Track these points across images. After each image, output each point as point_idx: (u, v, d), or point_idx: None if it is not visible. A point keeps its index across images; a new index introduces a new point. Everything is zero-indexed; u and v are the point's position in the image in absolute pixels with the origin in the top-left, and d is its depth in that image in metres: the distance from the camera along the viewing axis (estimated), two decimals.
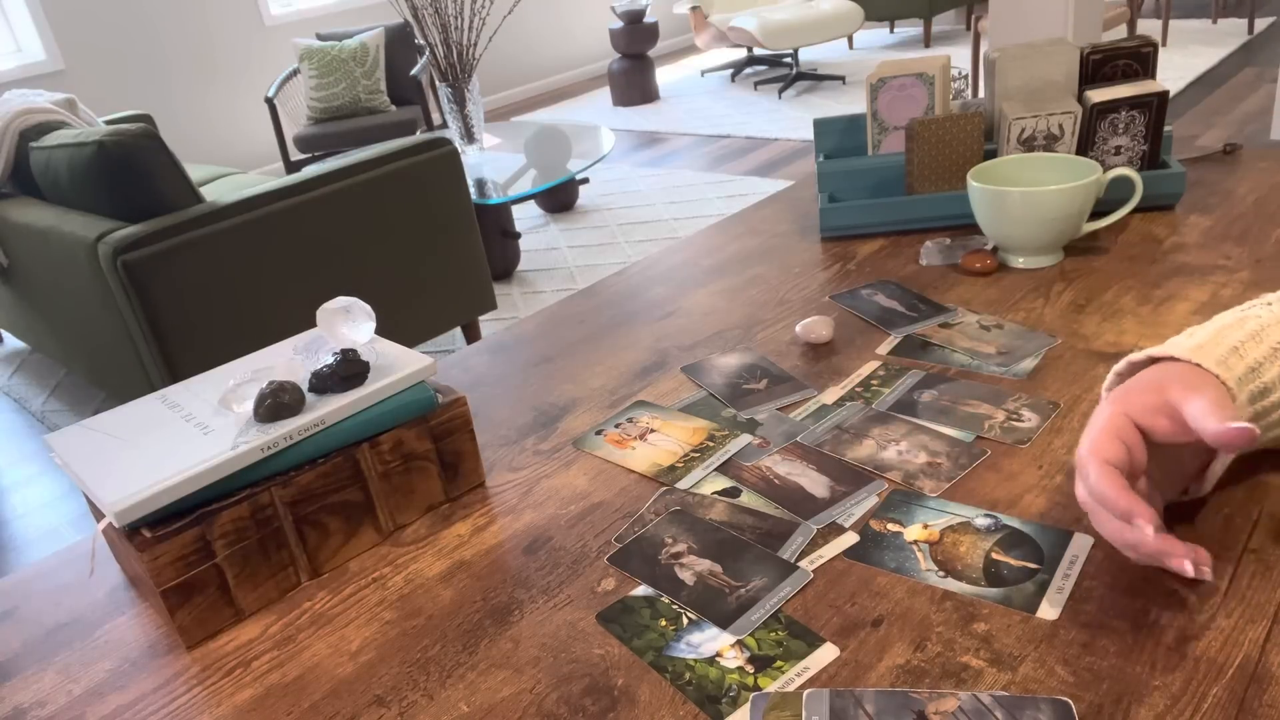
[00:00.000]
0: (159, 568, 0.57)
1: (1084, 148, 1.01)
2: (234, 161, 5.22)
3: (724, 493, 0.67)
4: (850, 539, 0.60)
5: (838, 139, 1.18)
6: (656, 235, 3.69)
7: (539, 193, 3.18)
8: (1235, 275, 0.85)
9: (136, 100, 4.77)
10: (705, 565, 0.60)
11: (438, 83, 3.57)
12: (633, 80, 5.89)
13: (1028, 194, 0.88)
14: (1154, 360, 0.58)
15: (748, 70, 6.45)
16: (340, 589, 0.63)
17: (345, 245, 2.37)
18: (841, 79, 5.70)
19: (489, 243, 3.36)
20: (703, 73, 6.47)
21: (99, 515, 0.62)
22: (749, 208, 1.24)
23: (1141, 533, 0.48)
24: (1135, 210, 1.02)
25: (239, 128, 5.20)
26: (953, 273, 0.95)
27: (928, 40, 6.31)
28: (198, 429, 0.63)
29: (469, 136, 3.62)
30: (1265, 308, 0.59)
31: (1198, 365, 0.54)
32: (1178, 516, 0.57)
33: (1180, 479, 0.58)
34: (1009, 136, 1.02)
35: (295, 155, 5.35)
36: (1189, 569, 0.48)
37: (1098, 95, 0.99)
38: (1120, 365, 0.59)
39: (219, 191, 3.13)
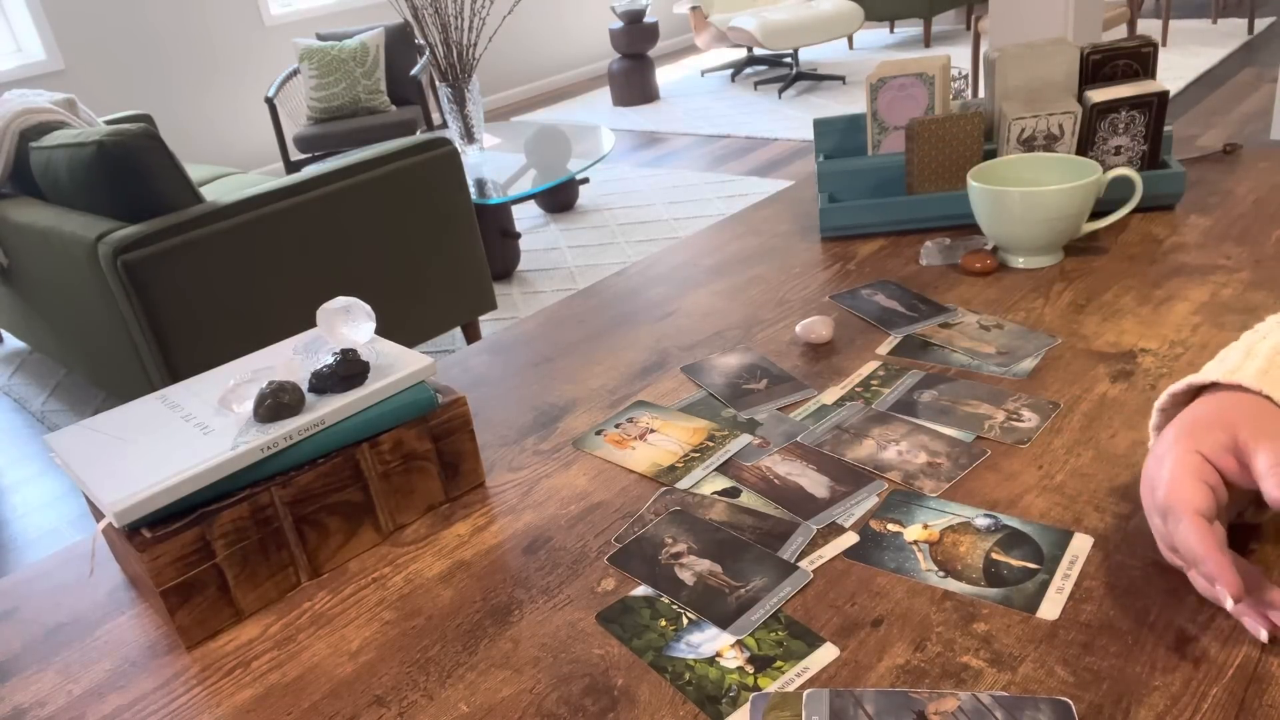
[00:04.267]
0: (159, 568, 0.57)
1: (1084, 148, 1.01)
2: (234, 161, 5.22)
3: (724, 493, 0.67)
4: (850, 539, 0.60)
5: (838, 139, 1.18)
6: (656, 235, 3.69)
7: (539, 193, 3.18)
8: (1235, 275, 0.85)
9: (136, 100, 4.77)
10: (705, 565, 0.60)
11: (438, 83, 3.57)
12: (633, 80, 5.88)
13: (1028, 194, 0.88)
14: (1197, 388, 0.54)
15: (748, 70, 6.45)
16: (340, 589, 0.63)
17: (345, 245, 2.37)
18: (841, 79, 5.70)
19: (489, 243, 3.36)
20: (703, 73, 6.47)
21: (99, 515, 0.62)
22: (749, 208, 1.24)
23: (1222, 599, 0.47)
24: (1135, 210, 1.02)
25: (239, 128, 5.20)
26: (953, 273, 0.95)
27: (928, 40, 6.31)
28: (198, 429, 0.63)
29: (469, 136, 3.62)
30: None
31: (1268, 398, 0.50)
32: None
33: (1238, 501, 0.54)
34: (1009, 136, 1.02)
35: (295, 155, 5.35)
36: (1261, 635, 0.48)
37: (1098, 95, 0.99)
38: (1163, 400, 0.56)
39: (219, 191, 3.13)
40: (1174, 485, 0.49)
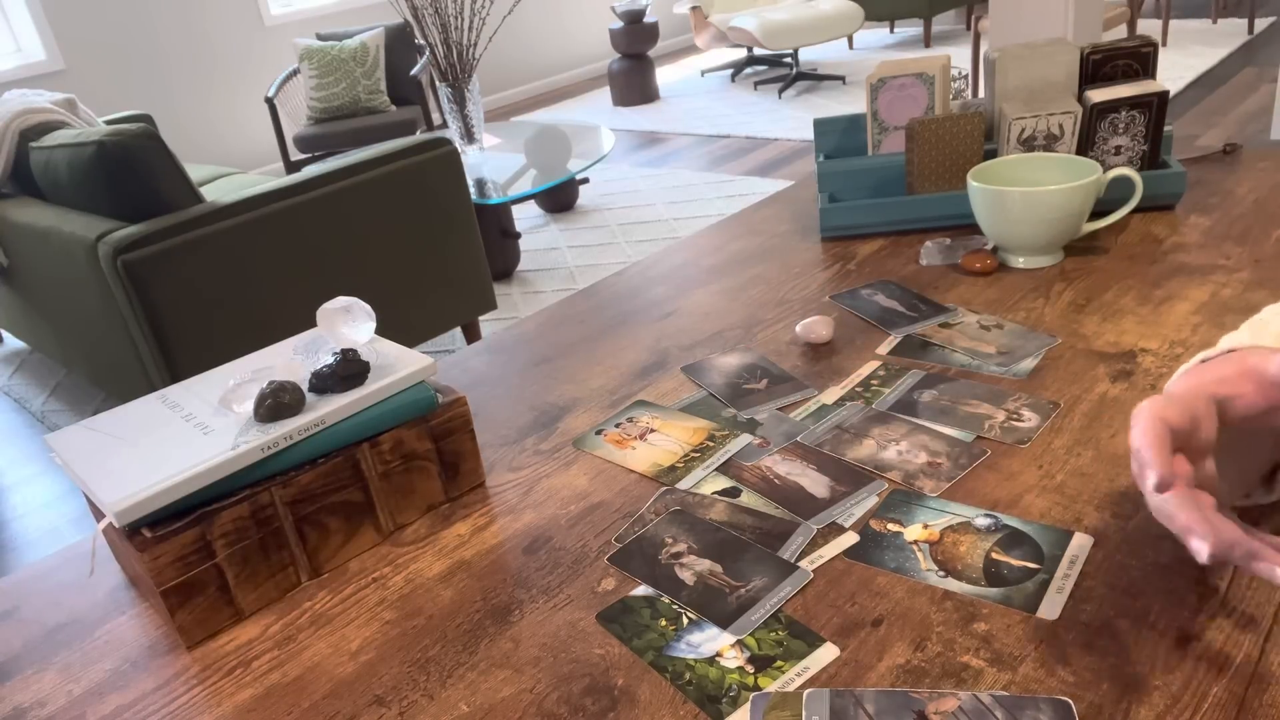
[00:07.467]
0: (159, 568, 0.57)
1: (1084, 148, 1.01)
2: (234, 161, 5.21)
3: (724, 493, 0.67)
4: (850, 539, 0.60)
5: (838, 139, 1.18)
6: (656, 235, 3.69)
7: (539, 193, 3.18)
8: (1235, 275, 0.85)
9: (136, 100, 4.77)
10: (705, 565, 0.60)
11: (438, 83, 3.57)
12: (633, 80, 5.88)
13: (1028, 194, 0.88)
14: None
15: (748, 70, 6.44)
16: (340, 589, 0.63)
17: (345, 245, 2.37)
18: (841, 79, 5.70)
19: (489, 243, 3.36)
20: (703, 73, 6.47)
21: (99, 515, 0.62)
22: (749, 208, 1.24)
23: (1172, 514, 0.43)
24: (1135, 210, 1.02)
25: (239, 128, 5.19)
26: (953, 273, 0.95)
27: (928, 40, 6.31)
28: (198, 429, 0.63)
29: (469, 136, 3.62)
30: None
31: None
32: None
33: (1245, 480, 0.52)
34: (1009, 136, 1.02)
35: (295, 155, 5.35)
36: (1277, 578, 0.42)
37: (1098, 95, 0.99)
38: (1191, 364, 0.54)
39: (219, 191, 3.13)
40: (1152, 400, 0.46)
